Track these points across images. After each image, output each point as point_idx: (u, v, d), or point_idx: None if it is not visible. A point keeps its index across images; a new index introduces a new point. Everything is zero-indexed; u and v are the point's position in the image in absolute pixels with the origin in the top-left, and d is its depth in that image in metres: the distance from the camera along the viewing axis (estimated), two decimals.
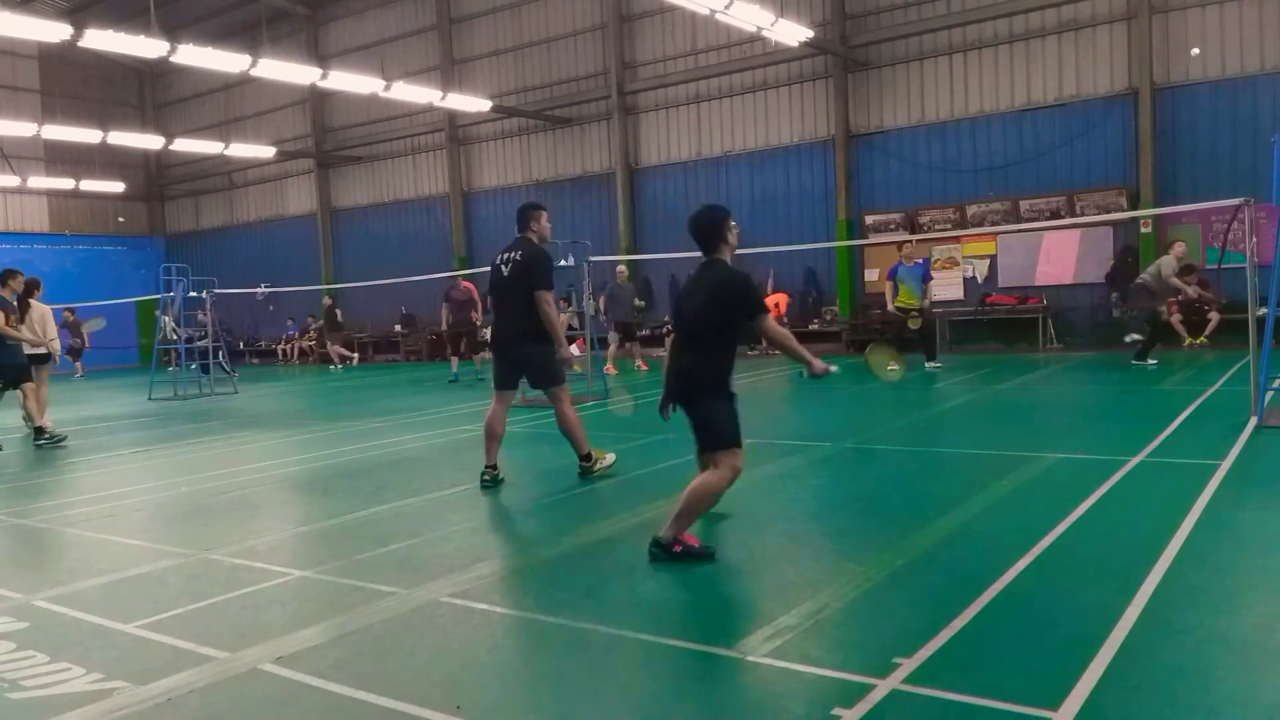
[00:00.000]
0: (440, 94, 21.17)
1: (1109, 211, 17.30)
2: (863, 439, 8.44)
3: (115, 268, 31.35)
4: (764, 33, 16.79)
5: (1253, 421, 7.57)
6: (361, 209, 28.51)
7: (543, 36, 24.18)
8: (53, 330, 11.69)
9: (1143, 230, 17.33)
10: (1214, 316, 12.86)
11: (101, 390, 19.66)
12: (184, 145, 25.70)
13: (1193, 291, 12.74)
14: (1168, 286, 12.74)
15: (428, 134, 26.58)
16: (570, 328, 19.28)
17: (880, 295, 19.49)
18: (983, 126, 18.87)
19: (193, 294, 17.91)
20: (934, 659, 3.23)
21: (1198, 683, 3.02)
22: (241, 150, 26.59)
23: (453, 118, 25.63)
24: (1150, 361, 12.99)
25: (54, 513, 6.63)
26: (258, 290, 26.24)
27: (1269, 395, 8.17)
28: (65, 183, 27.03)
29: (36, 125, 23.14)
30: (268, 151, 26.45)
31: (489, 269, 6.98)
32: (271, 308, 28.80)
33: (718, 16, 15.31)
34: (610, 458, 6.96)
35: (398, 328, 26.45)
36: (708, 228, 4.97)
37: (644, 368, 17.45)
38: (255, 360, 29.14)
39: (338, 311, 24.60)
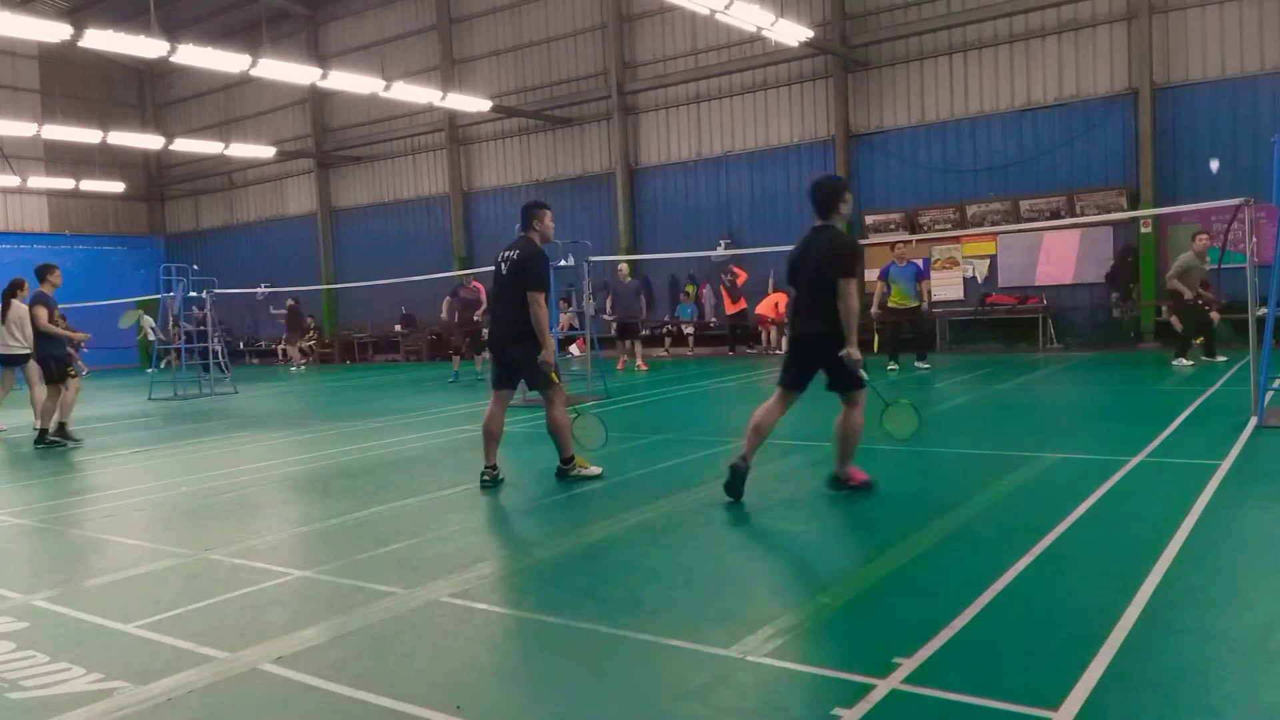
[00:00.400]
0: (440, 94, 21.18)
1: (1109, 211, 17.30)
2: (862, 439, 8.42)
3: (115, 268, 31.37)
4: (764, 33, 16.80)
5: (1253, 421, 7.57)
6: (361, 209, 28.51)
7: (543, 36, 24.19)
8: (30, 330, 11.76)
9: (1143, 230, 17.33)
10: (1214, 316, 12.83)
11: (101, 390, 19.65)
12: (184, 145, 25.70)
13: (1189, 294, 12.67)
14: (1194, 282, 12.49)
15: (428, 134, 26.58)
16: (571, 327, 19.33)
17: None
18: (983, 126, 18.87)
19: (193, 294, 17.92)
20: (934, 659, 3.23)
21: (1198, 683, 3.02)
22: (241, 150, 26.59)
23: (453, 118, 25.63)
24: (1187, 362, 12.54)
25: (54, 513, 6.62)
26: (258, 290, 26.26)
27: (1269, 395, 8.17)
28: (65, 183, 27.03)
29: (36, 125, 23.14)
30: (268, 151, 26.45)
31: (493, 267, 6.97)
32: (272, 308, 28.80)
33: (718, 16, 15.31)
34: (595, 470, 6.91)
35: (398, 328, 26.46)
36: (827, 194, 5.86)
37: (643, 368, 17.44)
38: (255, 360, 29.14)
39: (300, 313, 25.99)
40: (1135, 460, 6.53)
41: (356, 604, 4.17)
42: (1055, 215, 17.71)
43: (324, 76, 19.29)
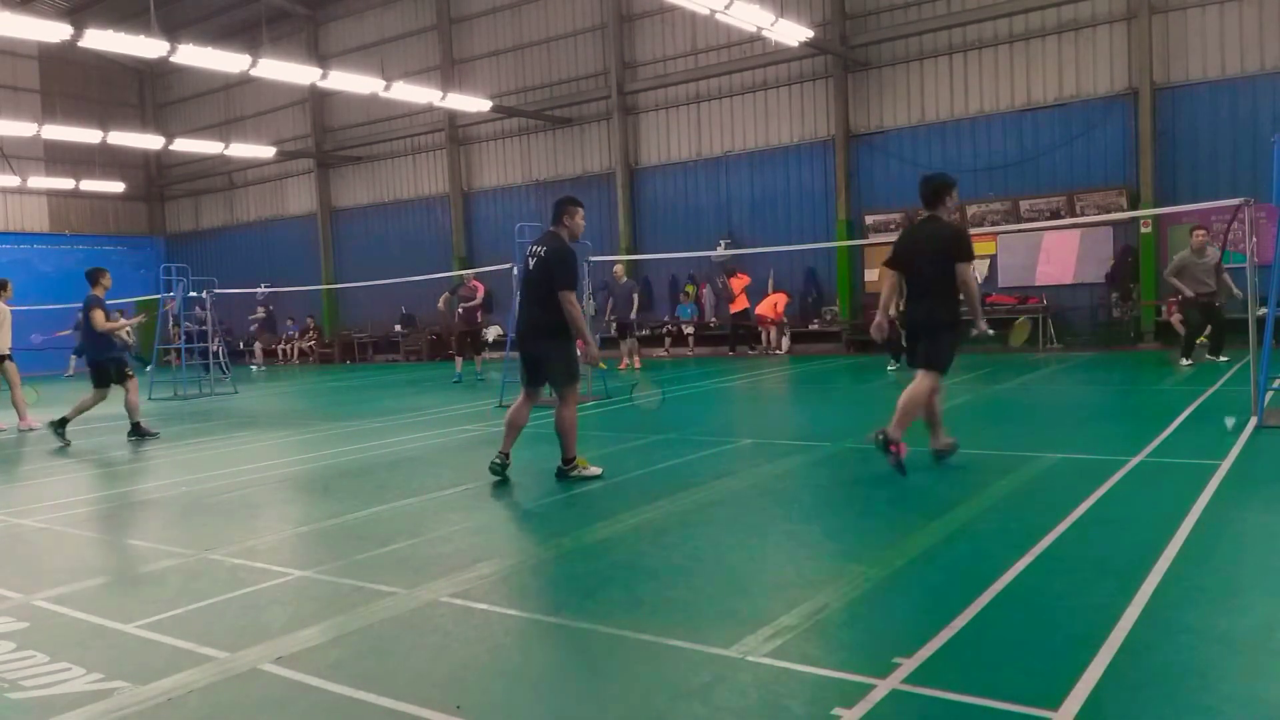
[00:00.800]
0: (440, 94, 21.18)
1: (1109, 211, 17.30)
2: (863, 439, 8.43)
3: (115, 268, 31.05)
4: (764, 33, 16.79)
5: (1253, 421, 7.57)
6: (361, 209, 28.51)
7: (543, 36, 24.19)
8: (8, 334, 11.86)
9: (1143, 230, 17.33)
10: (1175, 321, 12.79)
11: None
12: (184, 145, 25.70)
13: (1188, 292, 12.63)
14: (1195, 278, 12.36)
15: (428, 134, 26.58)
16: None
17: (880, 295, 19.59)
18: (983, 126, 18.87)
19: (192, 294, 17.92)
20: (934, 659, 3.23)
21: (1198, 683, 3.02)
22: (241, 150, 26.59)
23: (453, 118, 25.63)
24: (1186, 362, 12.51)
25: (54, 513, 6.62)
26: (258, 290, 26.29)
27: (1269, 395, 8.17)
28: (65, 183, 27.03)
29: (36, 125, 23.13)
30: (268, 151, 26.45)
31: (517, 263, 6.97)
32: (272, 307, 28.84)
33: (718, 16, 15.31)
34: (595, 470, 6.91)
35: (398, 327, 26.47)
36: (935, 188, 6.41)
37: (637, 366, 17.49)
38: (253, 362, 29.11)
39: (274, 317, 28.12)
40: (1135, 460, 6.54)
41: (356, 604, 4.16)
42: (1055, 215, 17.71)
43: (324, 76, 19.29)
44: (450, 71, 25.37)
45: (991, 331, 6.54)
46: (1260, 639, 3.32)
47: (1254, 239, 8.79)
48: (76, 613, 4.22)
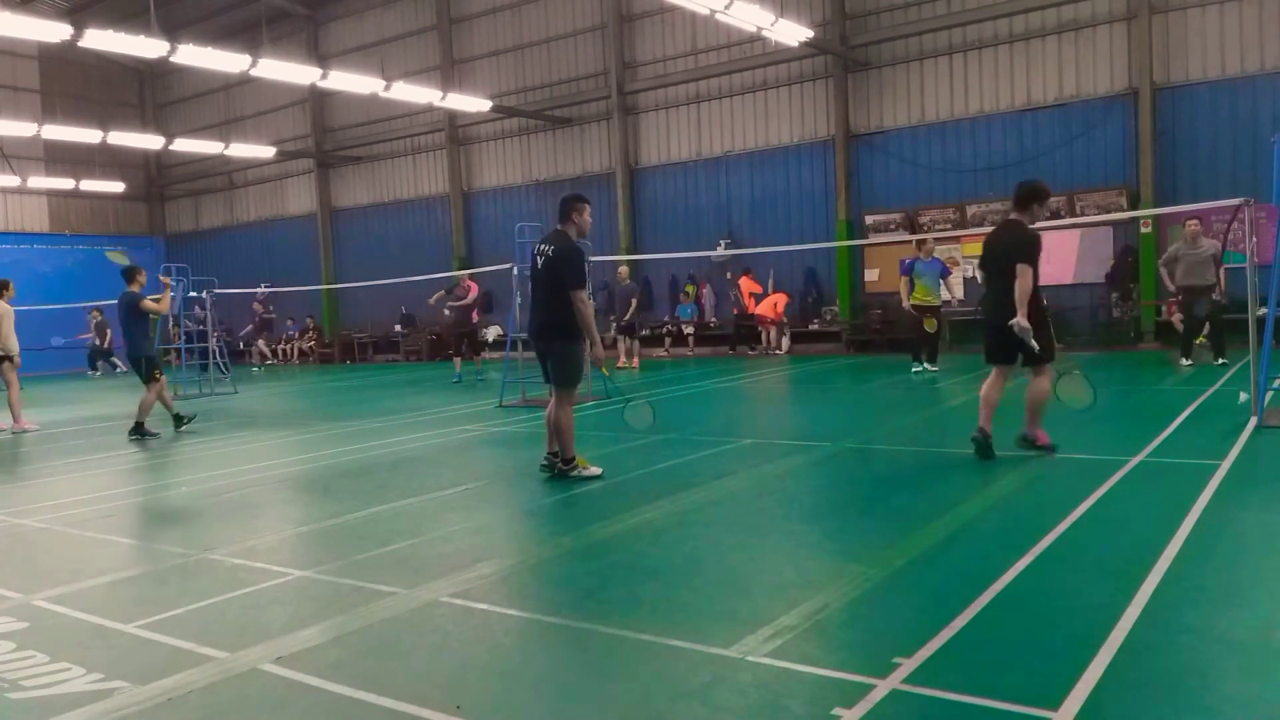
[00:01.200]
0: (440, 94, 21.17)
1: (1109, 211, 17.29)
2: (863, 439, 8.44)
3: (115, 268, 31.28)
4: (764, 33, 16.78)
5: (1253, 421, 7.57)
6: (361, 209, 28.51)
7: (543, 36, 24.19)
8: (12, 334, 11.90)
9: (1143, 230, 17.33)
10: (1175, 320, 12.73)
11: (102, 390, 19.67)
12: (184, 145, 25.69)
13: (1171, 285, 12.57)
14: (1187, 269, 12.25)
15: (428, 134, 26.58)
16: None
17: (880, 295, 19.59)
18: (983, 126, 18.87)
19: (192, 294, 17.92)
20: (934, 659, 3.23)
21: (1198, 683, 3.02)
22: (241, 150, 26.58)
23: (453, 118, 25.63)
24: (1186, 362, 12.53)
25: (54, 513, 6.62)
26: (258, 290, 26.30)
27: (1269, 395, 8.17)
28: (65, 183, 27.02)
29: (36, 125, 23.12)
30: (268, 151, 26.45)
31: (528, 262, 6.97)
32: (272, 308, 28.83)
33: (718, 16, 15.30)
34: (595, 470, 6.91)
35: (398, 328, 26.47)
36: (1026, 192, 6.86)
37: (635, 365, 17.50)
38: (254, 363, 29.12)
39: (271, 315, 28.41)
40: (1135, 460, 6.54)
41: (356, 604, 4.17)
42: (1055, 215, 17.65)
43: (324, 76, 19.28)
44: (450, 71, 25.37)
45: (1028, 329, 6.63)
46: (1260, 639, 3.32)
47: (1254, 239, 8.79)
48: (77, 613, 4.22)
